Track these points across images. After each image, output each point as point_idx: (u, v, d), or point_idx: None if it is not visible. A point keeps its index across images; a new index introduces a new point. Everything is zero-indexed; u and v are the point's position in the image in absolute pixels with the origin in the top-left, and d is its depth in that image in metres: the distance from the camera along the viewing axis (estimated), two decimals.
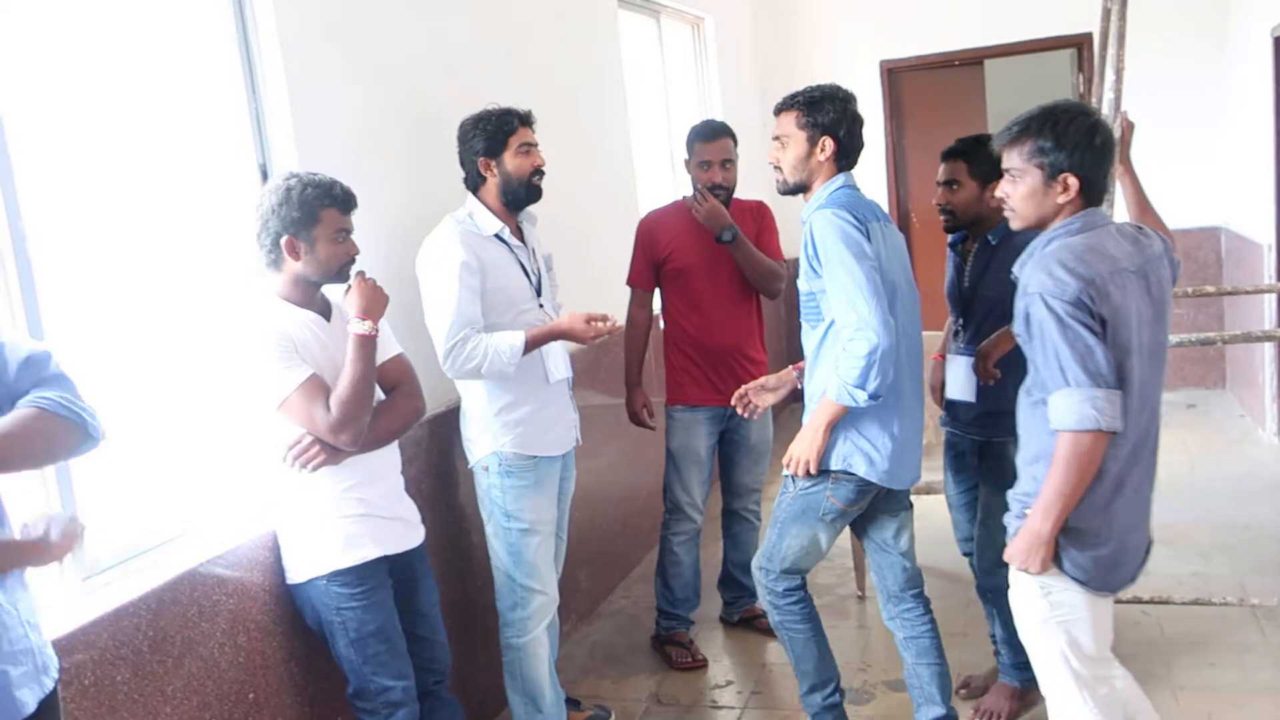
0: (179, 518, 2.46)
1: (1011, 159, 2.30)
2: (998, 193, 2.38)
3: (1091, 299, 2.14)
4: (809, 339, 2.83)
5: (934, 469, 4.14)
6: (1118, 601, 2.52)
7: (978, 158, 3.08)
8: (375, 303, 2.51)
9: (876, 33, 7.08)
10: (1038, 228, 2.32)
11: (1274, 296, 5.46)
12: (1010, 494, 2.38)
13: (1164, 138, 5.75)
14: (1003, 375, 3.01)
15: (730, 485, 4.00)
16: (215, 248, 2.66)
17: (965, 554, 3.44)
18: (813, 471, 2.76)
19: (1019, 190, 2.30)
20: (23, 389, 1.75)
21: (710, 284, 3.75)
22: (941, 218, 3.22)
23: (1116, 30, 3.30)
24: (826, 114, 2.77)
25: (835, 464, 2.76)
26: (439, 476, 3.27)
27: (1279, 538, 4.38)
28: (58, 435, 1.75)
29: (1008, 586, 2.44)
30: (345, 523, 2.50)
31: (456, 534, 3.35)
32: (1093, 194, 2.27)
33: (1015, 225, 2.37)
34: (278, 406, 2.40)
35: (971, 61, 7.00)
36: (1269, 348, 5.54)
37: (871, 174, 7.19)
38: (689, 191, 3.78)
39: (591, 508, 4.17)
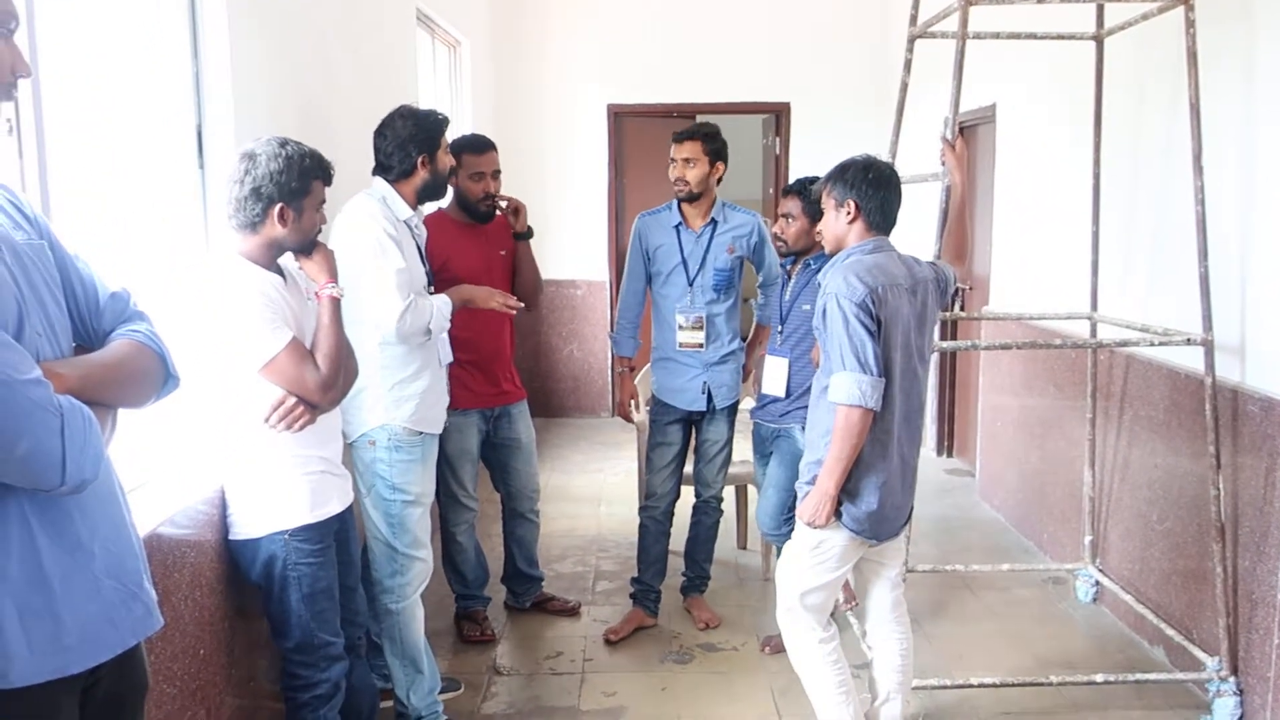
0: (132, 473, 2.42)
1: (823, 200, 2.98)
2: (820, 226, 3.04)
3: (873, 303, 2.73)
4: None
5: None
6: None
7: (810, 197, 3.56)
8: (336, 267, 2.62)
9: (605, 78, 7.70)
10: (837, 250, 2.95)
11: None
12: (803, 464, 2.97)
13: None
14: (790, 380, 3.69)
15: (512, 491, 4.17)
16: (156, 207, 2.63)
17: None
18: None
19: (826, 220, 2.97)
20: (108, 326, 1.73)
21: None
22: (776, 244, 3.78)
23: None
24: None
25: None
26: None
27: (966, 526, 5.41)
28: (154, 371, 1.74)
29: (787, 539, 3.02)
30: (310, 479, 2.58)
31: None
32: (873, 218, 2.88)
33: (828, 249, 3.01)
34: (263, 367, 2.41)
35: (686, 115, 7.76)
36: (933, 379, 6.64)
37: (593, 207, 7.79)
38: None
39: None
